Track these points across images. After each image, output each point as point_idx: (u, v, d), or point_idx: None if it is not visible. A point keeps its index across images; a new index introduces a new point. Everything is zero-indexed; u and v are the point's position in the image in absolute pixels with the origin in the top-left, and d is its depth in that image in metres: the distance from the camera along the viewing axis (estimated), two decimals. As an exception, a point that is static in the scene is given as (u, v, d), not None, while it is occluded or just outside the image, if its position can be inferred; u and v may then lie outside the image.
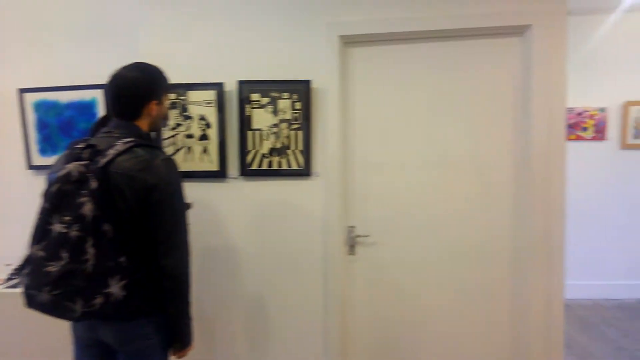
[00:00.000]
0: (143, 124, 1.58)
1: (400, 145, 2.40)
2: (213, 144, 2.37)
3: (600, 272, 4.44)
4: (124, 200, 1.40)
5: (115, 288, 1.36)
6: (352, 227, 2.46)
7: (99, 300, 1.34)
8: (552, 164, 2.24)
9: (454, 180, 2.38)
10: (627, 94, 4.28)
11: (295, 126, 2.33)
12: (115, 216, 1.38)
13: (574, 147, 4.37)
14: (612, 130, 4.33)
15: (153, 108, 1.59)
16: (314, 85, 2.33)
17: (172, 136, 2.39)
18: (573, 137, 4.34)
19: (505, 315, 2.40)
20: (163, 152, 1.53)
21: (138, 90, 1.54)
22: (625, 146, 4.33)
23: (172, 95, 2.37)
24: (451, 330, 2.43)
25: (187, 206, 1.59)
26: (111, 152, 1.43)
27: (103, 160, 1.41)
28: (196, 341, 2.48)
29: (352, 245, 2.46)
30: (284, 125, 2.33)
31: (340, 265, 2.40)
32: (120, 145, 1.45)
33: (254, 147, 2.35)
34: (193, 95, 2.37)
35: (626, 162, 4.35)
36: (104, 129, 1.56)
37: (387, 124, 2.40)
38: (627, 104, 4.27)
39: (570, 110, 4.32)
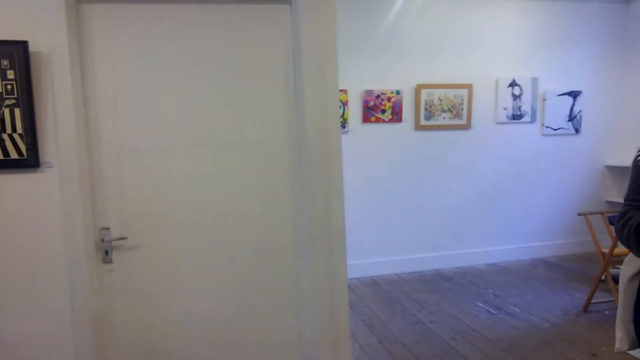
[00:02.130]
0: None
1: (159, 126, 1.99)
2: None
3: (402, 247, 4.68)
4: None
5: None
6: (105, 228, 1.98)
7: None
8: (328, 144, 2.08)
9: (224, 164, 2.06)
10: (418, 76, 4.52)
11: (10, 102, 1.76)
12: None
13: (375, 128, 4.49)
14: (407, 112, 4.56)
15: None
16: (34, 48, 1.78)
17: None
18: (373, 119, 4.46)
19: (292, 305, 2.18)
20: None
21: None
22: (419, 127, 4.60)
23: None
24: (234, 334, 2.14)
25: None
26: None
27: None
28: None
29: (106, 251, 1.99)
30: (-9, 100, 1.74)
31: (90, 279, 1.92)
32: None
33: (-53, 132, 1.72)
34: None
35: (420, 142, 4.62)
36: None
37: (142, 100, 1.97)
38: (419, 87, 4.52)
39: (369, 92, 4.41)
